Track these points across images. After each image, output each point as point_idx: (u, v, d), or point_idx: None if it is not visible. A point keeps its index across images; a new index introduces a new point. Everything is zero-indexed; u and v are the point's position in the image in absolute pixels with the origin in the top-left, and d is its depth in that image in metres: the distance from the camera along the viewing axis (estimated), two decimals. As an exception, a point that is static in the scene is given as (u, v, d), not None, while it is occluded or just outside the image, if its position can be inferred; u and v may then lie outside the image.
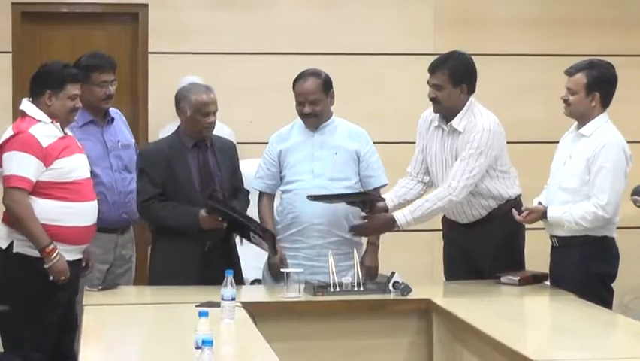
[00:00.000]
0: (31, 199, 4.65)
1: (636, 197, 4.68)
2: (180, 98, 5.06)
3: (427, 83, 5.00)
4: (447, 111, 4.99)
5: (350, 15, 7.41)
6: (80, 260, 4.81)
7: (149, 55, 7.26)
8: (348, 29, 7.38)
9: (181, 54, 7.22)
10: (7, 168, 4.65)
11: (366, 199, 5.02)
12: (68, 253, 4.71)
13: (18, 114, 4.94)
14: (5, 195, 4.69)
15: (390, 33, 7.44)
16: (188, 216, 4.90)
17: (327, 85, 5.12)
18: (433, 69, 4.98)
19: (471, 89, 5.00)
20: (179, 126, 5.14)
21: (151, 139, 6.84)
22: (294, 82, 5.14)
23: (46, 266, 4.64)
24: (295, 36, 7.33)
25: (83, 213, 4.74)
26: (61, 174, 4.70)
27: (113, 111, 5.44)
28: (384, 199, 5.07)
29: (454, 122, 4.97)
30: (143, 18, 7.29)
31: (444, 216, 5.21)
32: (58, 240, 4.66)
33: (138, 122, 7.10)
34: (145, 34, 7.28)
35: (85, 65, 5.21)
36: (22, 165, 4.63)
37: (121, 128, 5.46)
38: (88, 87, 5.13)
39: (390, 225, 4.97)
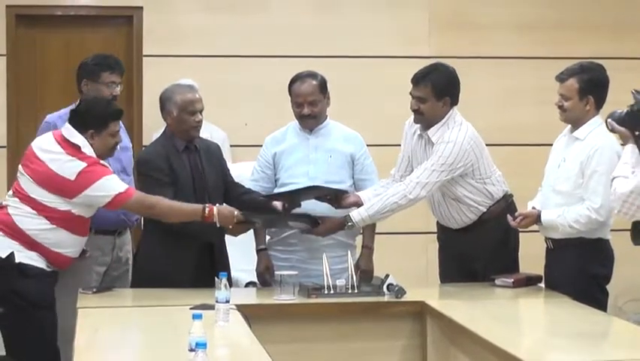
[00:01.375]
0: (32, 214, 4.60)
1: (610, 120, 4.53)
2: (165, 100, 4.96)
3: (410, 94, 4.97)
4: (428, 123, 4.97)
5: (345, 18, 7.43)
6: (55, 271, 4.77)
7: (144, 58, 7.27)
8: (343, 33, 7.40)
9: (175, 57, 7.23)
10: (109, 191, 4.60)
11: (330, 193, 4.99)
12: (47, 267, 4.69)
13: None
14: (134, 207, 4.72)
15: (385, 37, 7.46)
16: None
17: (323, 86, 5.12)
18: (416, 81, 4.94)
19: (454, 102, 4.97)
20: (165, 130, 5.03)
21: (145, 141, 6.85)
22: (290, 84, 5.12)
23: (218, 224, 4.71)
24: (290, 39, 7.34)
25: (72, 245, 4.70)
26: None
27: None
28: (347, 192, 5.02)
29: (430, 133, 4.95)
30: (138, 21, 7.30)
31: (437, 220, 5.22)
32: (40, 255, 4.63)
33: (133, 124, 7.10)
34: (139, 38, 7.29)
35: (96, 64, 5.23)
36: (114, 183, 4.63)
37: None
38: (95, 86, 5.14)
39: (341, 224, 4.95)
